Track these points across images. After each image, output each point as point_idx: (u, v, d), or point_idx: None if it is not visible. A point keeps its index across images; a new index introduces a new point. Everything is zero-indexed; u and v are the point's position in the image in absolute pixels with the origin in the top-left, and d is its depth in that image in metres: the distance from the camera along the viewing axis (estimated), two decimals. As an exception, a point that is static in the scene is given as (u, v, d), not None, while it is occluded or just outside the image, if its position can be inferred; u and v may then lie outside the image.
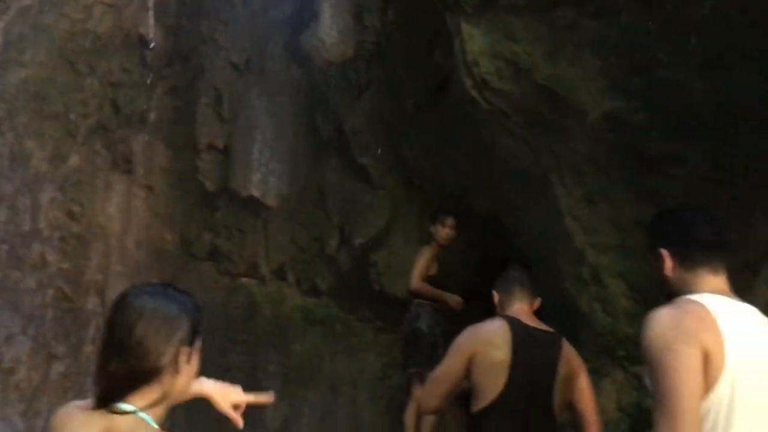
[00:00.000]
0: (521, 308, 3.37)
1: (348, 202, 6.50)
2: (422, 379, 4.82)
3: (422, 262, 5.66)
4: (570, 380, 3.23)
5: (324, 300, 6.68)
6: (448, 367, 3.25)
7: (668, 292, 2.13)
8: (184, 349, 1.75)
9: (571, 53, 4.14)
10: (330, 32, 5.88)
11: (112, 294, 7.05)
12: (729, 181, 3.88)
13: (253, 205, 6.65)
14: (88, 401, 1.74)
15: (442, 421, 5.26)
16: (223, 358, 6.38)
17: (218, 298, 6.74)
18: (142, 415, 1.68)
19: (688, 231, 2.13)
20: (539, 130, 4.62)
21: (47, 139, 7.11)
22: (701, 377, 1.82)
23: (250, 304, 6.71)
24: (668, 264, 2.12)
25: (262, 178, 6.50)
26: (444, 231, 5.71)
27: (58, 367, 6.63)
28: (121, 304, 1.77)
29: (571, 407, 3.31)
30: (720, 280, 2.08)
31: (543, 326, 3.36)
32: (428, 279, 5.66)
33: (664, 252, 2.13)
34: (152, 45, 7.55)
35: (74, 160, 7.22)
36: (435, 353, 5.07)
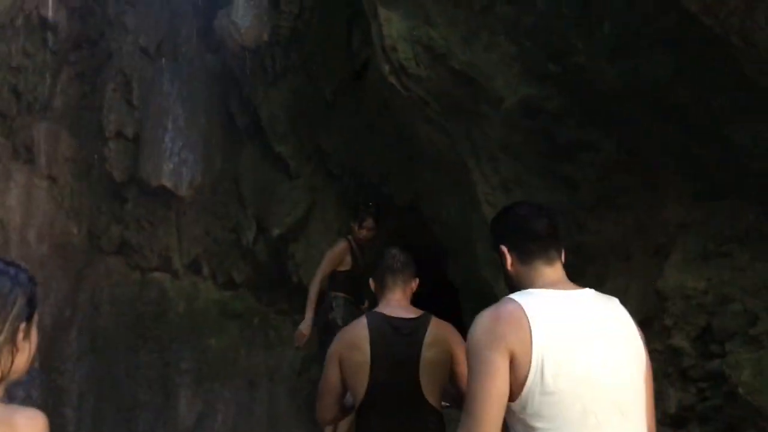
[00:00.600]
0: (392, 297, 3.33)
1: (264, 192, 6.33)
2: None
3: (328, 257, 5.54)
4: (442, 362, 3.20)
5: (241, 293, 6.50)
6: (325, 378, 3.23)
7: (510, 287, 2.21)
8: (21, 326, 1.60)
9: (487, 38, 4.11)
10: (244, 16, 5.69)
11: (13, 291, 6.67)
12: (641, 166, 3.93)
13: (165, 196, 6.39)
14: None
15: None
16: (132, 356, 6.11)
17: (128, 294, 6.46)
18: None
19: (524, 227, 2.22)
20: (457, 116, 4.58)
21: (-60, 126, 6.64)
22: (505, 381, 1.94)
23: (162, 299, 6.45)
24: (508, 260, 2.20)
25: (174, 167, 6.25)
26: (362, 232, 5.61)
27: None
28: None
29: (453, 388, 3.27)
30: (555, 271, 2.17)
31: (411, 312, 3.30)
32: (342, 274, 5.54)
33: (504, 248, 2.22)
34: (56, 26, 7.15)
35: (-30, 149, 6.77)
36: None
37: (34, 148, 7.03)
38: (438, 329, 3.29)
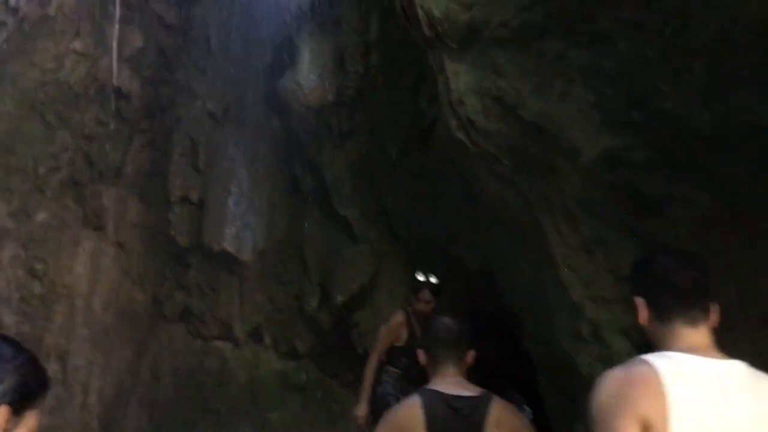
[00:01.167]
0: (446, 372, 3.03)
1: (329, 257, 6.09)
2: None
3: (383, 333, 5.10)
4: None
5: (303, 363, 6.19)
6: None
7: (647, 344, 1.99)
8: (4, 409, 1.46)
9: (561, 87, 3.80)
10: (309, 76, 5.60)
11: (76, 359, 6.57)
12: (740, 222, 3.48)
13: (227, 261, 6.23)
14: None
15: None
16: (191, 430, 5.84)
17: (189, 363, 6.26)
18: None
19: (663, 278, 1.96)
20: (529, 172, 4.24)
21: (13, 193, 6.74)
22: None
23: (222, 369, 6.21)
24: (643, 314, 1.97)
25: (237, 231, 6.11)
26: (418, 305, 5.14)
27: (13, 440, 6.07)
28: None
29: None
30: (698, 334, 1.89)
31: (471, 390, 3.00)
32: (399, 349, 5.06)
33: (639, 301, 1.98)
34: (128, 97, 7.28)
35: (41, 216, 6.84)
36: None
37: (104, 214, 7.06)
38: (501, 409, 2.99)
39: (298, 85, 5.70)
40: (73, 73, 6.77)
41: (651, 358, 1.82)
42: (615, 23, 3.43)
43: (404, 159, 5.88)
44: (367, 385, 4.96)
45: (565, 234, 4.22)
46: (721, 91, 3.17)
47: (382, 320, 5.86)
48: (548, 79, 3.87)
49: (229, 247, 6.10)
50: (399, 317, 5.12)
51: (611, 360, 4.24)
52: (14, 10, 6.03)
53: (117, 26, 6.52)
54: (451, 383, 2.99)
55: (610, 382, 1.82)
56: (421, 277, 5.18)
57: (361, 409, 4.94)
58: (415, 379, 5.00)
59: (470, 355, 3.14)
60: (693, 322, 1.89)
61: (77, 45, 6.69)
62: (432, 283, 5.19)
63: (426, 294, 5.11)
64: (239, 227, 6.14)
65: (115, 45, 6.55)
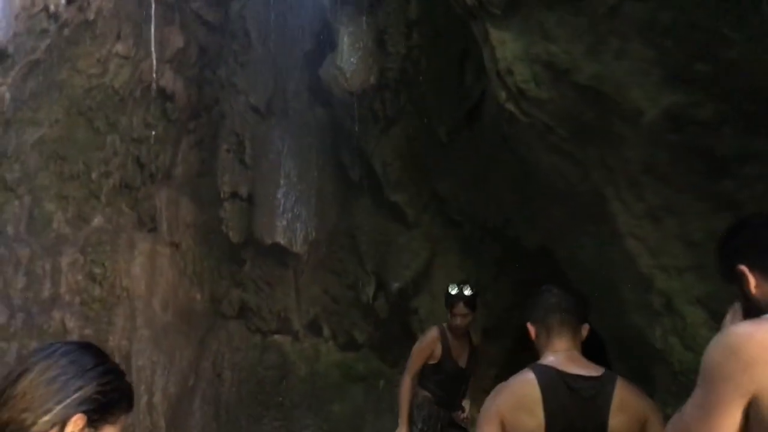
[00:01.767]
0: (561, 346, 2.68)
1: (382, 244, 5.97)
2: None
3: (416, 350, 4.69)
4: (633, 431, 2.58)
5: (363, 354, 6.09)
6: None
7: (755, 314, 1.73)
8: (78, 417, 1.38)
9: (617, 44, 3.57)
10: (349, 60, 5.47)
11: (139, 360, 6.62)
12: (824, 177, 3.21)
13: (281, 255, 6.17)
14: None
15: None
16: (255, 425, 5.81)
17: (249, 359, 6.23)
18: None
19: (764, 236, 1.81)
20: (587, 140, 4.03)
21: (69, 200, 6.83)
22: (736, 424, 1.52)
23: (283, 363, 6.16)
24: (752, 281, 1.78)
25: (288, 224, 6.04)
26: (455, 320, 4.64)
27: (81, 443, 6.15)
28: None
29: None
30: None
31: (590, 368, 2.64)
32: (431, 368, 4.66)
33: (743, 268, 1.79)
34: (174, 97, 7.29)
35: (97, 221, 6.91)
36: None
37: (157, 216, 7.09)
38: (626, 392, 2.64)
39: (339, 69, 5.58)
40: (118, 76, 6.80)
41: None
42: (672, -31, 3.20)
43: (453, 139, 5.71)
44: (404, 406, 4.61)
45: (629, 202, 3.99)
46: (795, 33, 2.92)
47: (440, 305, 5.73)
48: (602, 38, 3.64)
49: (281, 239, 6.04)
50: (434, 333, 4.71)
51: (686, 332, 4.02)
52: (55, 17, 6.07)
53: (153, 27, 6.49)
54: (567, 358, 2.64)
55: (730, 339, 1.59)
56: (453, 290, 4.70)
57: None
58: (447, 404, 4.71)
59: (585, 328, 2.79)
60: None
61: (119, 48, 6.71)
62: (466, 295, 4.69)
63: (461, 307, 4.62)
64: (290, 219, 6.07)
65: (153, 46, 6.53)
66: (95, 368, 1.44)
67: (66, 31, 6.32)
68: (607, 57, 3.64)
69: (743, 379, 1.52)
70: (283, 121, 6.36)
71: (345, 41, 5.53)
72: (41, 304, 6.28)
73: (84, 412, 1.38)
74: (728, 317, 1.92)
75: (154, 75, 6.71)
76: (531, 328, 2.77)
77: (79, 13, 6.28)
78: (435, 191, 5.80)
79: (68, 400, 1.38)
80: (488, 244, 5.63)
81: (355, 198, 6.11)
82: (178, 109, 7.30)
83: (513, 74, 4.13)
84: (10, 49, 6.08)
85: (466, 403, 4.77)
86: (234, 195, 6.50)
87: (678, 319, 4.00)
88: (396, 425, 4.64)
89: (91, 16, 6.37)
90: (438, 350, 4.65)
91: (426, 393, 4.66)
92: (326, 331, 6.15)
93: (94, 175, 6.95)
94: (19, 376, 1.39)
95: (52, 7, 5.96)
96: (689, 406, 1.63)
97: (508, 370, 5.20)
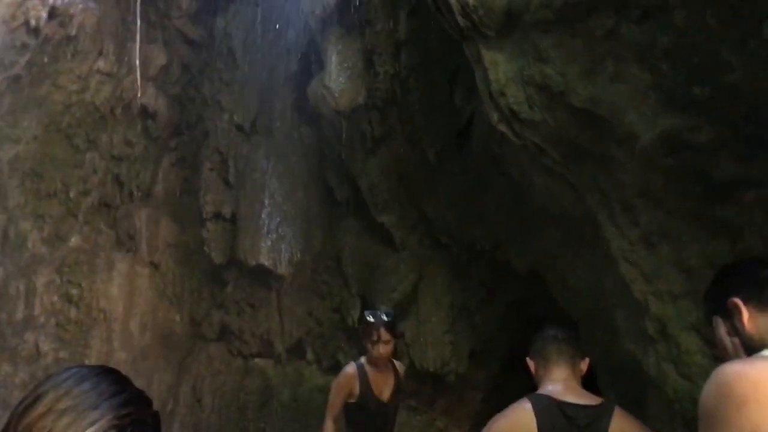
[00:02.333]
0: (558, 376, 2.77)
1: (368, 266, 5.86)
2: None
3: (334, 388, 4.42)
4: None
5: (348, 379, 5.92)
6: None
7: (748, 349, 1.81)
8: None
9: (613, 67, 3.53)
10: (338, 79, 5.38)
11: (115, 384, 6.43)
12: (823, 202, 3.17)
13: (264, 276, 6.03)
14: None
15: None
16: (235, 452, 5.64)
17: (230, 383, 6.05)
18: None
19: (760, 273, 1.90)
20: (581, 163, 3.97)
21: (45, 219, 6.65)
22: None
23: (265, 388, 6.00)
24: (744, 314, 1.85)
25: (272, 244, 5.91)
26: (377, 349, 4.32)
27: (55, 471, 5.91)
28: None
29: None
30: None
31: (588, 398, 2.72)
32: (352, 407, 4.39)
33: (737, 301, 1.87)
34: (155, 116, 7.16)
35: (74, 241, 6.73)
36: None
37: (136, 235, 6.93)
38: (624, 421, 2.72)
39: (327, 88, 5.49)
40: (99, 93, 6.66)
41: None
42: (671, -8, 3.17)
43: (443, 161, 5.64)
44: None
45: (624, 227, 3.93)
46: (796, 57, 2.89)
47: (426, 330, 5.63)
48: (598, 61, 3.60)
49: (265, 261, 5.89)
50: (349, 370, 4.41)
51: (681, 359, 3.94)
52: (35, 31, 5.94)
53: (138, 44, 6.38)
54: (564, 388, 2.70)
55: (725, 377, 1.60)
56: (371, 317, 4.40)
57: None
58: None
59: (585, 362, 2.89)
60: None
61: (101, 65, 6.58)
62: (387, 320, 4.42)
63: (383, 333, 4.32)
64: (274, 240, 5.93)
65: (137, 63, 6.42)
66: (113, 398, 1.26)
67: (47, 47, 6.19)
68: (602, 80, 3.60)
69: (739, 420, 1.50)
70: (268, 140, 6.25)
71: (333, 60, 5.46)
72: (14, 325, 6.08)
73: None
74: (722, 333, 1.98)
75: (139, 91, 6.58)
76: (530, 363, 2.87)
77: (60, 29, 6.16)
78: (423, 213, 5.72)
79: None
80: (477, 268, 5.54)
81: (341, 219, 6.01)
82: (159, 127, 7.18)
83: (506, 96, 4.08)
84: (-11, 63, 5.94)
85: None
86: (217, 215, 6.36)
87: (672, 346, 3.93)
88: None
89: (73, 32, 6.25)
90: (356, 388, 4.38)
91: None
92: (310, 355, 6.01)
93: (72, 194, 6.79)
94: (27, 408, 1.23)
95: (33, 22, 5.83)
96: None
97: (496, 394, 5.11)
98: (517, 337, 5.87)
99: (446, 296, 5.67)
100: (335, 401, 4.39)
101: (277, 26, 6.37)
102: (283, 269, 5.94)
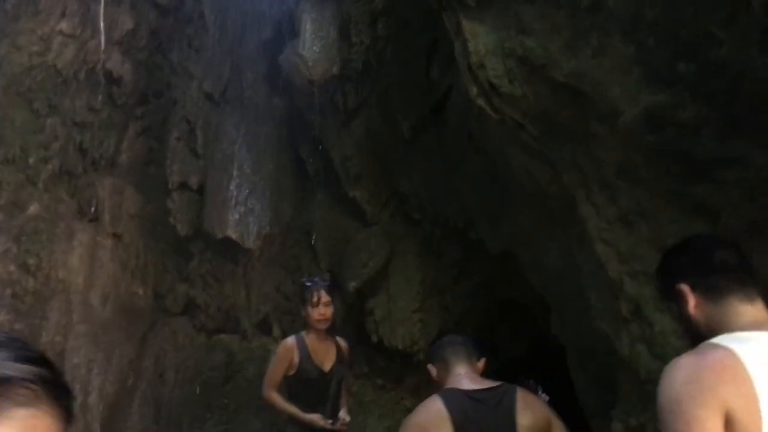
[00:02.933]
0: (460, 371, 2.96)
1: (339, 241, 5.74)
2: None
3: (272, 363, 4.37)
4: (541, 428, 2.89)
5: (315, 355, 5.82)
6: None
7: (694, 336, 1.76)
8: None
9: (597, 41, 3.45)
10: (312, 48, 5.22)
11: (74, 358, 6.22)
12: (803, 185, 3.13)
13: (231, 249, 5.87)
14: None
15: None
16: (198, 428, 5.50)
17: (193, 359, 5.91)
18: None
19: (710, 258, 1.81)
20: (560, 140, 3.89)
21: (2, 186, 6.37)
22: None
23: (229, 363, 5.86)
24: (691, 301, 1.78)
25: (240, 217, 5.74)
26: (317, 311, 4.28)
27: (8, 446, 5.72)
28: None
29: None
30: (757, 310, 1.72)
31: (489, 383, 2.94)
32: (292, 379, 4.32)
33: (684, 287, 1.79)
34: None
35: (33, 209, 6.46)
36: None
37: (99, 205, 6.69)
38: (528, 396, 2.99)
39: (301, 57, 5.32)
40: (61, 56, 6.38)
41: (724, 341, 1.61)
42: (660, -37, 3.08)
43: (417, 135, 5.53)
44: (285, 406, 4.29)
45: (601, 206, 3.87)
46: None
47: (397, 308, 5.55)
48: (582, 34, 3.51)
49: (232, 234, 5.73)
50: (288, 341, 4.38)
51: (654, 340, 3.91)
52: (-6, -12, 5.67)
53: (102, 6, 6.10)
54: (468, 379, 2.89)
55: (685, 368, 1.58)
56: (309, 282, 4.40)
57: (318, 417, 4.27)
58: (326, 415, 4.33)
59: (481, 363, 3.07)
60: (750, 298, 1.72)
61: (64, 26, 6.29)
62: (325, 282, 4.42)
63: (323, 294, 4.28)
64: (242, 213, 5.77)
65: (102, 26, 6.15)
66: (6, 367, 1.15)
67: (6, 5, 5.90)
68: (586, 53, 3.51)
69: (711, 399, 1.50)
70: (238, 109, 6.07)
71: (308, 29, 5.28)
72: (-32, 295, 5.84)
73: None
74: None
75: (102, 55, 6.31)
76: (431, 368, 3.06)
77: (21, -15, 5.88)
78: (396, 188, 5.61)
79: None
80: (449, 245, 5.46)
81: (311, 192, 5.87)
82: (125, 94, 6.92)
83: (485, 68, 3.97)
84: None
85: (343, 412, 4.39)
86: (183, 185, 6.17)
87: (646, 327, 3.89)
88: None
89: (35, -11, 5.98)
90: (296, 358, 4.32)
91: (295, 408, 4.30)
92: (277, 331, 5.88)
93: (31, 160, 6.51)
94: None
95: (-9, -22, 5.56)
96: None
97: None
98: (486, 317, 5.82)
99: (417, 274, 5.59)
100: (274, 373, 4.34)
101: (251, -9, 6.17)
102: (251, 242, 5.78)
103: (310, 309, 4.32)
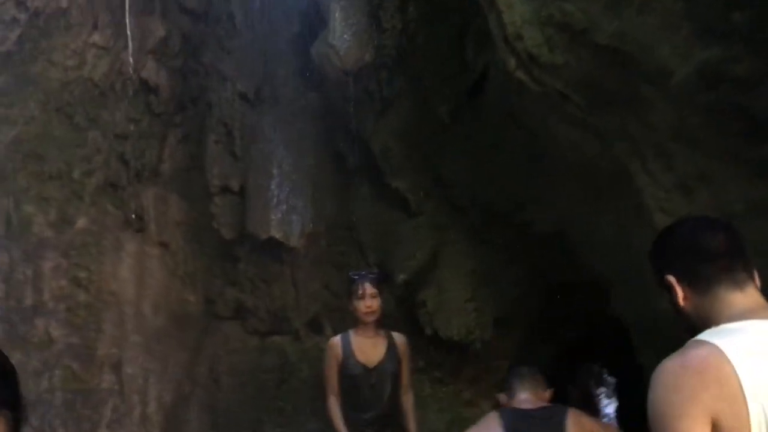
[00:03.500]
0: (523, 398, 3.37)
1: (384, 234, 5.61)
2: None
3: (325, 365, 4.37)
4: None
5: (368, 352, 5.70)
6: None
7: (690, 329, 1.69)
8: None
9: (641, -2, 3.22)
10: (342, 37, 5.09)
11: (130, 368, 6.23)
12: None
13: (276, 250, 5.80)
14: None
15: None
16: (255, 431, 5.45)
17: (247, 363, 5.86)
18: None
19: (693, 246, 1.73)
20: (607, 108, 3.68)
21: (50, 202, 6.42)
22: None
23: (283, 364, 5.80)
24: (679, 293, 1.72)
25: (283, 216, 5.65)
26: (363, 303, 4.28)
27: (70, 460, 5.77)
28: None
29: None
30: (747, 297, 1.65)
31: (545, 402, 3.40)
32: (342, 380, 4.30)
33: (671, 279, 1.73)
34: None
35: (81, 223, 6.49)
36: None
37: (144, 215, 6.69)
38: (579, 413, 3.33)
39: (332, 47, 5.20)
40: (96, 68, 6.38)
41: (707, 336, 1.56)
42: None
43: (456, 119, 5.35)
44: (338, 424, 4.26)
45: (657, 174, 3.65)
46: None
47: (450, 297, 5.40)
48: (624, -9, 3.30)
49: (276, 233, 5.65)
50: (332, 340, 4.45)
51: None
52: (24, 5, 5.67)
53: (128, 15, 6.08)
54: (526, 403, 3.31)
55: (666, 374, 1.54)
56: (354, 276, 4.41)
57: None
58: (367, 415, 4.32)
59: (549, 392, 3.44)
60: (739, 285, 1.65)
61: (96, 38, 6.28)
62: (369, 275, 4.40)
63: (367, 287, 4.27)
64: (284, 212, 5.68)
65: (129, 33, 6.13)
66: None
67: (38, 21, 5.92)
68: (629, 12, 3.29)
69: (695, 407, 1.46)
70: (273, 108, 5.98)
71: (337, 17, 5.16)
72: (23, 312, 5.88)
73: None
74: None
75: (131, 64, 6.29)
76: (501, 397, 3.48)
77: (51, 1, 5.88)
78: (439, 176, 5.45)
79: None
80: (498, 230, 5.28)
81: (354, 186, 5.75)
82: (162, 102, 6.89)
83: (523, 39, 3.78)
84: (-24, 40, 5.70)
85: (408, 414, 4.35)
86: (224, 189, 6.11)
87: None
88: None
89: (65, 4, 5.96)
90: (340, 356, 4.34)
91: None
92: (328, 329, 5.78)
93: (75, 175, 6.53)
94: None
95: (19, -5, 5.58)
96: None
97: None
98: (542, 301, 5.62)
99: (467, 262, 5.42)
100: (328, 377, 4.36)
101: (278, -14, 6.08)
102: (295, 241, 5.69)
103: (356, 302, 4.32)
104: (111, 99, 6.60)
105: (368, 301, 4.27)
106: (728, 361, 1.47)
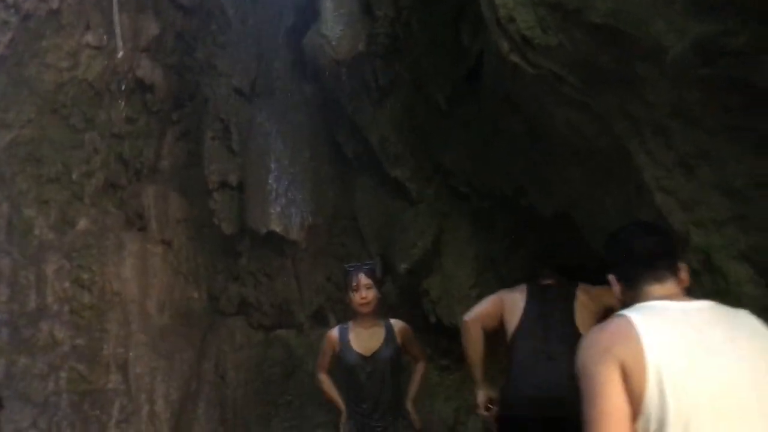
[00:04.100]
0: (545, 280, 4.33)
1: (385, 224, 5.58)
2: None
3: (321, 351, 4.43)
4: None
5: (374, 342, 5.69)
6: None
7: None
8: None
9: (634, -28, 3.16)
10: (335, 27, 5.05)
11: (137, 368, 6.24)
12: None
13: (277, 243, 5.78)
14: None
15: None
16: (264, 427, 5.45)
17: (253, 357, 5.85)
18: None
19: (626, 250, 2.14)
20: (604, 88, 3.63)
21: (50, 204, 6.41)
22: (621, 397, 1.83)
23: (289, 358, 5.79)
24: (616, 289, 2.16)
25: (282, 209, 5.63)
26: (359, 294, 4.26)
27: (78, 460, 5.79)
28: None
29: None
30: (665, 287, 2.05)
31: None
32: (337, 368, 4.36)
33: (612, 277, 2.17)
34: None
35: (82, 224, 6.50)
36: None
37: (145, 213, 6.69)
38: (586, 285, 4.33)
39: (324, 37, 5.16)
40: (90, 69, 6.37)
41: (625, 311, 1.98)
42: None
43: (453, 106, 5.30)
44: (332, 393, 4.39)
45: (657, 153, 3.59)
46: None
47: (453, 285, 5.36)
48: (616, -33, 3.24)
49: (275, 227, 5.63)
50: (330, 332, 4.44)
51: (730, 291, 3.62)
52: (14, 7, 5.65)
53: (116, 13, 6.04)
54: (546, 280, 4.42)
55: (589, 338, 1.99)
56: (349, 267, 4.42)
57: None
58: (368, 406, 4.29)
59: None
60: (659, 279, 2.04)
61: (89, 38, 6.27)
62: (364, 266, 4.41)
63: (362, 277, 4.25)
64: (283, 205, 5.66)
65: (117, 32, 6.09)
66: None
67: (30, 23, 5.90)
68: (623, -12, 3.24)
69: (607, 357, 1.84)
70: (269, 101, 5.95)
71: (328, 7, 5.12)
72: (28, 315, 5.90)
73: None
74: None
75: (118, 62, 6.25)
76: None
77: (41, 3, 5.85)
78: (438, 163, 5.40)
79: None
80: (500, 216, 5.23)
81: (353, 177, 5.72)
82: (159, 100, 6.89)
83: (515, 21, 3.73)
84: (-32, 44, 5.68)
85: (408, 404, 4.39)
86: (223, 184, 6.10)
87: (719, 278, 3.60)
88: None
89: (55, 5, 5.95)
90: (337, 347, 4.34)
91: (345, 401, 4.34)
92: (333, 321, 5.76)
93: (74, 176, 6.54)
94: None
95: (9, -2, 5.55)
96: (586, 409, 1.86)
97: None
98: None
99: (470, 248, 5.38)
100: (320, 359, 4.45)
101: (269, -20, 6.03)
102: (295, 234, 5.67)
103: (351, 294, 4.31)
104: (107, 99, 6.60)
105: (363, 292, 4.26)
106: (633, 326, 1.87)
